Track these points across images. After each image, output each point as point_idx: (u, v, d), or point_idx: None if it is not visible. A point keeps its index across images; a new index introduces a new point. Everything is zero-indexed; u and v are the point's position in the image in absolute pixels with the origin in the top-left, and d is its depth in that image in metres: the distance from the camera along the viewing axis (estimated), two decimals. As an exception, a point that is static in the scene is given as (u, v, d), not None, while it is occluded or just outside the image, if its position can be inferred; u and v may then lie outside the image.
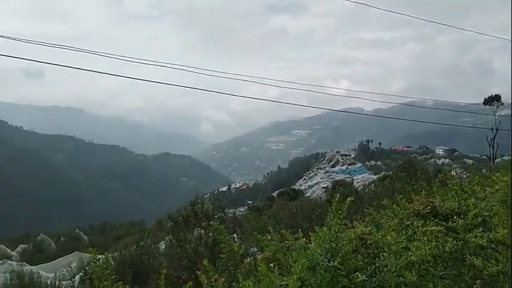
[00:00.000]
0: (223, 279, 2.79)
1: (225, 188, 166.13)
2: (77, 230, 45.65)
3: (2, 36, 8.84)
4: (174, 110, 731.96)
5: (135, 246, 16.05)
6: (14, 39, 9.13)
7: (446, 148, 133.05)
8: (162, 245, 16.83)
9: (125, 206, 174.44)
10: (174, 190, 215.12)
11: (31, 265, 23.03)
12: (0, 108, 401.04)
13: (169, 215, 13.79)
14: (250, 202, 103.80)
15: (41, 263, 24.53)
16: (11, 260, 26.54)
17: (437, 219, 3.04)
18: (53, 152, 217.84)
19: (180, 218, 12.79)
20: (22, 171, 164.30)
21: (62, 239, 42.31)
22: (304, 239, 3.10)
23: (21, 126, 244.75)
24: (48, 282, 14.92)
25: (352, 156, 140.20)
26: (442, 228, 2.85)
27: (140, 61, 10.70)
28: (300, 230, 3.24)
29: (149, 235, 18.09)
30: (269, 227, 3.49)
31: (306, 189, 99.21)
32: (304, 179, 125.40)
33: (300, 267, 2.38)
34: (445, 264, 2.60)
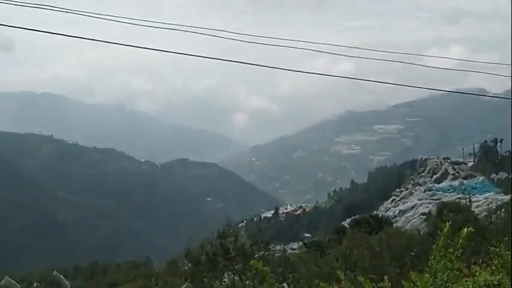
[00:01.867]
0: None
1: (269, 213, 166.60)
2: (55, 272, 47.34)
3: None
4: (195, 96, 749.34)
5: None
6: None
7: None
8: (177, 297, 17.17)
9: (123, 237, 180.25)
10: (195, 215, 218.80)
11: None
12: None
13: (188, 253, 14.08)
14: (308, 235, 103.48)
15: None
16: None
17: None
18: (22, 157, 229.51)
19: (204, 256, 12.97)
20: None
21: (35, 284, 44.37)
22: None
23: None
24: None
25: (470, 165, 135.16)
26: None
27: (142, 22, 10.91)
28: (386, 277, 3.19)
29: (158, 281, 18.55)
30: (338, 273, 3.46)
31: (396, 216, 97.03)
32: (392, 201, 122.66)
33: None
34: None
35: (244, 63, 12.43)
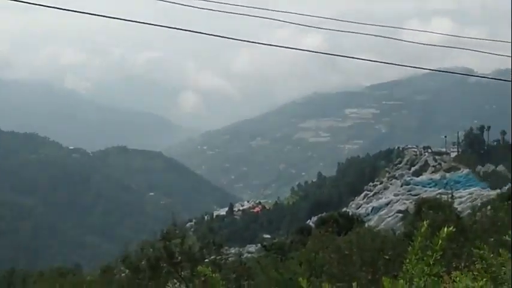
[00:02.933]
0: None
1: (223, 211, 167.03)
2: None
3: None
4: (135, 73, 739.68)
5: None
6: None
7: None
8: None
9: (47, 240, 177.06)
10: (135, 214, 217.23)
11: None
12: None
13: (125, 257, 13.98)
14: (268, 236, 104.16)
15: None
16: None
17: None
18: None
19: (144, 262, 12.89)
20: None
21: None
22: None
23: None
24: None
25: (453, 155, 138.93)
26: None
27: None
28: (355, 284, 3.23)
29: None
30: (301, 280, 3.48)
31: (369, 214, 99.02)
32: (365, 197, 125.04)
33: None
34: None
35: (194, 31, 12.34)
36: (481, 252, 3.94)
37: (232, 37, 13.86)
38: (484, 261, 3.82)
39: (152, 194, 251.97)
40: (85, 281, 29.76)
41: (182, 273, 12.02)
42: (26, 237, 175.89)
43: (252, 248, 77.62)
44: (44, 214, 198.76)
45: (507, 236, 3.72)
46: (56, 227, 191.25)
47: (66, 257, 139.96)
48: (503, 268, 3.53)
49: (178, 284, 11.77)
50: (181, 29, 12.63)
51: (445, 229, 2.80)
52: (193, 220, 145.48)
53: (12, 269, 63.28)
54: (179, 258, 12.48)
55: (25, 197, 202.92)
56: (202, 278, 10.32)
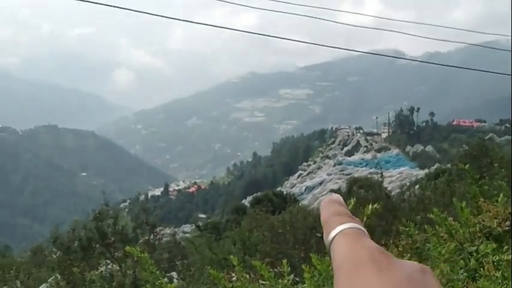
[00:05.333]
0: None
1: (158, 191, 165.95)
2: None
3: None
4: (65, 48, 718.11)
5: (-8, 294, 15.94)
6: None
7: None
8: (43, 292, 16.73)
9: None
10: (66, 194, 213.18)
11: None
12: None
13: (55, 238, 13.69)
14: (203, 216, 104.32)
15: None
16: None
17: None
18: None
19: (76, 243, 12.66)
20: None
21: None
22: (292, 276, 3.10)
23: None
24: None
25: (384, 136, 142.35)
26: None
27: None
28: (285, 261, 3.27)
29: (19, 273, 17.96)
30: (232, 257, 3.50)
31: (302, 194, 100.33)
32: (299, 176, 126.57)
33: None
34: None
35: (127, 9, 12.09)
36: (407, 229, 4.07)
37: (167, 16, 13.60)
38: (410, 238, 3.94)
39: (84, 174, 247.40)
40: (15, 262, 28.98)
41: (115, 253, 11.87)
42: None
43: (187, 227, 77.48)
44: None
45: (433, 213, 3.84)
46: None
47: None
48: (427, 244, 3.65)
49: (111, 264, 11.61)
50: (113, 6, 12.36)
51: (370, 206, 2.74)
52: (128, 200, 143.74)
53: None
54: (112, 238, 12.32)
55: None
56: (135, 258, 10.21)
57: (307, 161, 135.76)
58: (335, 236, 0.79)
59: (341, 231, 0.78)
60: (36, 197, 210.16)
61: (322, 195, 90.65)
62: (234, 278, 3.58)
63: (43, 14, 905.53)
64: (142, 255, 3.33)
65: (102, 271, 11.33)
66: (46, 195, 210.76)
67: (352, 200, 2.85)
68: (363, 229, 0.78)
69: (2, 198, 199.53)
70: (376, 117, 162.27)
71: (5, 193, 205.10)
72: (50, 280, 15.71)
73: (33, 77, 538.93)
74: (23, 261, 31.16)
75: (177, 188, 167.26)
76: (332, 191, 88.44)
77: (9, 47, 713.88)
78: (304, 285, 2.84)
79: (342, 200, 0.84)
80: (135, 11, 11.94)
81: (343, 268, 0.73)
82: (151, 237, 13.25)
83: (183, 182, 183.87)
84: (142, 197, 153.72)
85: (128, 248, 3.26)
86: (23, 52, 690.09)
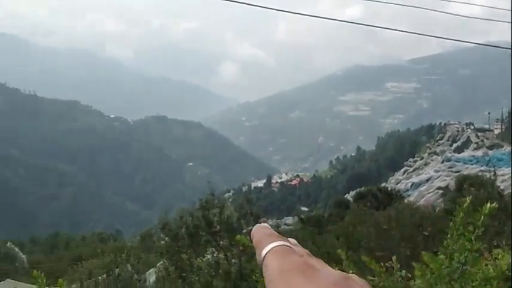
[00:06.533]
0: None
1: (261, 183, 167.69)
2: (9, 243, 48.14)
3: None
4: (174, 42, 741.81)
5: (104, 275, 16.69)
6: None
7: None
8: (152, 276, 17.39)
9: (89, 206, 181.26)
10: (174, 182, 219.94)
11: None
12: None
13: (165, 225, 14.16)
14: (305, 209, 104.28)
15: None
16: None
17: None
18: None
19: (183, 230, 13.05)
20: None
21: (-14, 257, 44.91)
22: (403, 272, 3.10)
23: None
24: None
25: (496, 132, 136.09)
26: None
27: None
28: (395, 257, 3.24)
29: (130, 257, 18.74)
30: (339, 252, 3.51)
31: (408, 190, 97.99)
32: (405, 172, 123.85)
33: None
34: None
35: (234, 1, 12.28)
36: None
37: (272, 7, 13.73)
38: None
39: (191, 164, 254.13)
40: (125, 246, 30.41)
41: (221, 242, 12.15)
42: (68, 203, 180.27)
43: (289, 220, 77.94)
44: (86, 181, 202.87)
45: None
46: (97, 194, 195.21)
47: (107, 223, 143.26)
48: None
49: (216, 252, 11.90)
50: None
51: (488, 205, 2.74)
52: (231, 191, 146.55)
53: (55, 233, 65.50)
54: (218, 227, 12.61)
55: (67, 164, 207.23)
56: (241, 247, 10.43)
57: (413, 157, 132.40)
58: (266, 254, 0.87)
59: (271, 249, 0.86)
60: (146, 184, 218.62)
61: (429, 192, 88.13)
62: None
63: (154, 9, 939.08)
64: (252, 244, 3.40)
65: (208, 258, 11.64)
66: (155, 183, 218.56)
67: (468, 198, 2.85)
68: (290, 246, 0.87)
69: (115, 185, 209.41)
70: (489, 113, 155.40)
71: (117, 180, 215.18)
72: (158, 265, 16.35)
73: (144, 69, 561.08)
74: (133, 245, 32.65)
75: (279, 180, 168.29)
76: (440, 188, 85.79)
77: (122, 40, 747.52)
78: (416, 282, 2.80)
79: (269, 226, 0.94)
80: (240, 2, 12.07)
81: (273, 282, 0.81)
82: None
83: (286, 174, 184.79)
84: (245, 188, 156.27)
85: (238, 236, 3.34)
86: (135, 45, 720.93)
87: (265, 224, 0.94)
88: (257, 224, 0.95)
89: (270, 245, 0.88)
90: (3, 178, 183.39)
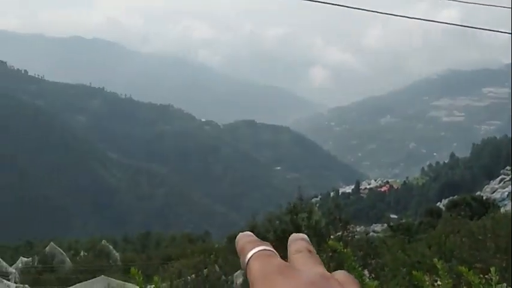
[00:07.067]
0: None
1: (349, 188, 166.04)
2: (104, 241, 50.20)
3: None
4: (263, 47, 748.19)
5: (193, 276, 17.04)
6: None
7: None
8: (239, 278, 17.61)
9: (179, 207, 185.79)
10: (261, 186, 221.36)
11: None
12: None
13: (252, 228, 14.30)
14: (395, 216, 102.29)
15: (51, 288, 27.64)
16: (8, 280, 30.41)
17: None
18: (70, 111, 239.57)
19: (271, 233, 13.13)
20: (22, 142, 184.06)
21: (82, 253, 47.09)
22: (504, 285, 3.10)
23: (24, 70, 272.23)
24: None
25: None
26: None
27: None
28: (493, 269, 3.14)
29: (218, 258, 19.04)
30: (435, 261, 3.40)
31: (504, 199, 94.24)
32: (501, 181, 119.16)
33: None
34: None
35: (324, 2, 12.20)
36: None
37: (366, 8, 13.55)
38: None
39: (279, 168, 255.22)
40: (213, 247, 30.95)
41: (308, 247, 12.11)
42: (160, 203, 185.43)
43: (377, 227, 76.82)
44: (177, 183, 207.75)
45: None
46: (187, 195, 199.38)
47: (196, 224, 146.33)
48: None
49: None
50: (310, 0, 12.55)
51: None
52: (319, 196, 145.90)
53: (147, 232, 67.72)
54: (306, 232, 12.57)
55: (160, 166, 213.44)
56: (330, 253, 10.36)
57: (511, 165, 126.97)
58: (249, 259, 0.93)
59: (253, 254, 0.93)
60: (234, 187, 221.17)
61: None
62: (438, 283, 3.47)
63: (244, 14, 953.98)
64: (344, 250, 3.36)
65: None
66: (243, 186, 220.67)
67: None
68: (273, 250, 0.93)
69: (204, 187, 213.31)
70: None
71: (207, 182, 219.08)
72: (245, 267, 16.46)
73: (234, 74, 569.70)
74: (221, 247, 33.13)
75: (368, 186, 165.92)
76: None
77: (213, 46, 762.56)
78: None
79: (252, 234, 0.98)
80: (334, 4, 11.99)
81: (255, 283, 0.88)
82: (344, 233, 13.29)
83: (375, 180, 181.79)
84: (333, 193, 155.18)
85: (330, 242, 3.30)
86: (226, 51, 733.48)
87: (248, 232, 0.99)
88: (240, 233, 0.98)
89: (252, 250, 0.94)
90: (100, 178, 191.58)
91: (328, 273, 0.88)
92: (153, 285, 2.72)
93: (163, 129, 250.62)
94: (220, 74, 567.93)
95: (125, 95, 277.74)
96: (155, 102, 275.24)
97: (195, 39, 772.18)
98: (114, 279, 24.35)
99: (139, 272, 2.42)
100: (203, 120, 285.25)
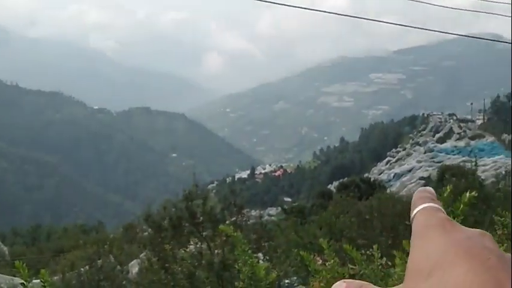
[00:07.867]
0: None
1: (245, 174, 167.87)
2: (-9, 235, 47.88)
3: None
4: (158, 33, 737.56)
5: (87, 267, 16.69)
6: None
7: None
8: (134, 267, 17.42)
9: (71, 197, 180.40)
10: (157, 174, 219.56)
11: None
12: None
13: (147, 216, 14.16)
14: (289, 200, 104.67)
15: None
16: None
17: None
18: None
19: (166, 221, 13.07)
20: None
21: (-33, 249, 44.61)
22: (384, 260, 3.11)
23: None
24: None
25: (479, 123, 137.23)
26: None
27: None
28: (376, 246, 3.28)
29: (112, 248, 18.74)
30: (321, 240, 3.54)
31: (390, 180, 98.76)
32: (387, 163, 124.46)
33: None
34: None
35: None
36: (502, 219, 3.95)
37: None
38: (505, 229, 3.83)
39: (175, 155, 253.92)
40: (108, 238, 30.32)
41: (204, 233, 12.19)
42: (51, 194, 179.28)
43: (272, 210, 78.28)
44: (68, 172, 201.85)
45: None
46: (80, 185, 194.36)
47: (89, 214, 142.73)
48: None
49: (199, 243, 11.94)
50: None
51: (467, 194, 2.76)
52: (215, 182, 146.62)
53: (37, 225, 65.12)
54: (201, 218, 12.64)
55: (50, 155, 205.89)
56: (224, 238, 10.47)
57: (396, 148, 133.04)
58: (416, 213, 0.92)
59: (420, 209, 0.92)
60: (129, 175, 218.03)
61: (411, 183, 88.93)
62: (319, 262, 3.62)
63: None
64: (235, 234, 3.43)
65: (191, 249, 11.68)
66: (138, 175, 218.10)
67: (448, 187, 2.85)
68: (440, 207, 0.92)
69: (97, 177, 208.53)
70: (471, 104, 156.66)
71: (99, 171, 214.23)
72: (141, 256, 16.35)
73: (128, 60, 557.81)
74: (115, 237, 32.53)
75: (263, 171, 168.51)
76: (422, 178, 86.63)
77: (106, 31, 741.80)
78: (396, 270, 2.86)
79: (433, 191, 0.98)
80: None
81: (417, 233, 0.87)
82: (239, 218, 13.47)
83: (269, 165, 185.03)
84: (229, 179, 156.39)
85: (221, 226, 3.36)
86: (119, 36, 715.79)
87: (427, 188, 0.99)
88: (420, 188, 1.00)
89: (420, 206, 0.93)
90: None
91: (485, 232, 0.85)
92: (40, 279, 2.71)
93: (52, 117, 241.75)
94: (113, 60, 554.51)
95: (11, 82, 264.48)
96: (44, 90, 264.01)
97: (86, 23, 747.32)
98: (2, 275, 23.33)
99: (24, 265, 2.40)
100: (95, 107, 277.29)
